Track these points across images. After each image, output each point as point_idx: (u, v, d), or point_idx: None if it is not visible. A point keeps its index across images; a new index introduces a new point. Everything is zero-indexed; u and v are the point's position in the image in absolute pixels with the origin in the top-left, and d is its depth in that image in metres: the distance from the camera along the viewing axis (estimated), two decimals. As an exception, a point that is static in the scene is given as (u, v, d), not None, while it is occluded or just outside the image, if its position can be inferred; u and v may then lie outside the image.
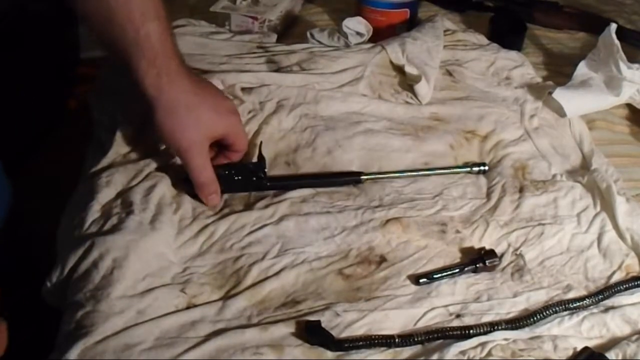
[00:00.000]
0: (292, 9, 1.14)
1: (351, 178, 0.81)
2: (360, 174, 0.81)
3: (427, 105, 0.92)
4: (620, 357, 0.63)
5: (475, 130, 0.89)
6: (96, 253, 0.67)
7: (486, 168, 0.84)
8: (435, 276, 0.70)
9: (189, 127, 0.73)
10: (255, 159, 0.79)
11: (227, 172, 0.77)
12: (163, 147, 0.80)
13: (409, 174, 0.82)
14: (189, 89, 0.74)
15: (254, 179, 0.78)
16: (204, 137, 0.75)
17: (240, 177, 0.78)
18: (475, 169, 0.83)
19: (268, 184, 0.78)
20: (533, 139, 0.88)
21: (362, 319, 0.65)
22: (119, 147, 0.81)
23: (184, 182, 0.76)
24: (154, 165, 0.78)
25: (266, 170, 0.79)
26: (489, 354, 0.62)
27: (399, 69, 0.96)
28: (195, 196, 0.76)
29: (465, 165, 0.84)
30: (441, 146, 0.87)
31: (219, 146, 0.80)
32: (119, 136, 0.81)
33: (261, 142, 0.81)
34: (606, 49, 0.96)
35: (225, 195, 0.78)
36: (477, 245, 0.74)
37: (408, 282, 0.70)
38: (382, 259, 0.72)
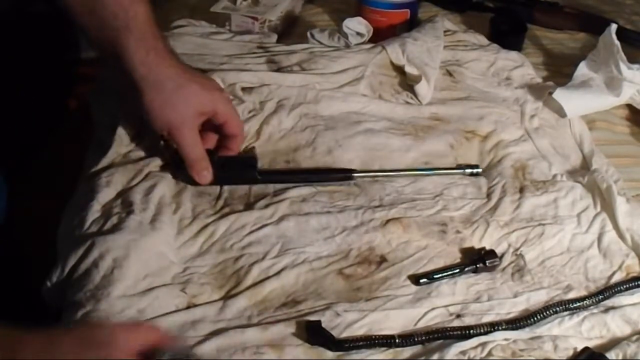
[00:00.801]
0: (292, 10, 1.14)
1: (343, 175, 0.81)
2: (352, 171, 0.81)
3: (427, 105, 0.92)
4: (620, 358, 0.63)
5: (475, 130, 0.89)
6: (96, 253, 0.67)
7: (479, 170, 0.84)
8: (435, 276, 0.70)
9: (179, 103, 0.74)
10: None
11: (218, 163, 0.77)
12: (162, 145, 0.80)
13: (404, 173, 0.82)
14: (176, 65, 0.75)
15: (246, 171, 0.78)
16: (194, 113, 0.75)
17: (231, 169, 0.78)
18: (469, 170, 0.83)
19: (260, 177, 0.79)
20: (533, 139, 0.88)
21: (362, 319, 0.65)
22: (119, 147, 0.81)
23: (172, 165, 0.77)
24: (154, 165, 0.78)
25: (258, 163, 0.79)
26: (489, 354, 0.62)
27: (399, 69, 0.96)
28: (179, 177, 0.77)
29: (459, 167, 0.84)
30: (441, 146, 0.87)
31: (215, 130, 0.80)
32: (119, 136, 0.81)
33: (254, 147, 0.83)
34: (606, 50, 0.95)
35: (225, 194, 0.78)
36: (477, 246, 0.74)
37: (408, 282, 0.70)
38: (383, 259, 0.72)
